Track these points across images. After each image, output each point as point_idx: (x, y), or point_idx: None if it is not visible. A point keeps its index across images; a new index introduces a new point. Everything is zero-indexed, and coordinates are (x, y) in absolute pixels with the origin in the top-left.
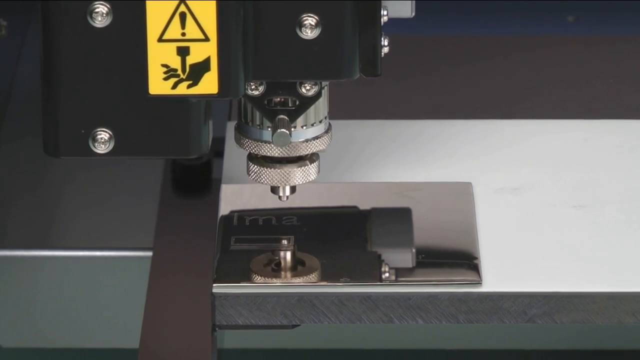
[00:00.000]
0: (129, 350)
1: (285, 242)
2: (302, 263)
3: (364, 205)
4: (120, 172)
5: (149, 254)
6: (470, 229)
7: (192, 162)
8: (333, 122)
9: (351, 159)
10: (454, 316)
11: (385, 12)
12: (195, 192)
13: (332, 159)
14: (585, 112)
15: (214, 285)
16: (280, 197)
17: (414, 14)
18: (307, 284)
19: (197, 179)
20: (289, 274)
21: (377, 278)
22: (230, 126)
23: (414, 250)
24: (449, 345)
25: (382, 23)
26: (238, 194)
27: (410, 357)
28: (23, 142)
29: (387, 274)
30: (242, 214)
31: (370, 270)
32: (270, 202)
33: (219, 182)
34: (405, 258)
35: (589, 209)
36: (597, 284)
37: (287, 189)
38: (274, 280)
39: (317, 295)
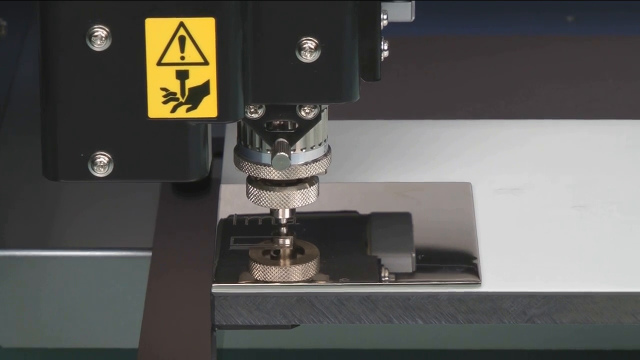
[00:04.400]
0: (129, 350)
1: (284, 230)
2: (302, 251)
3: (364, 205)
4: None
5: (149, 254)
6: (469, 229)
7: None
8: (332, 123)
9: (351, 160)
10: (453, 316)
11: (385, 17)
12: (195, 192)
13: (332, 159)
14: (585, 112)
15: (214, 285)
16: (279, 220)
17: (414, 18)
18: (306, 284)
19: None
20: (288, 262)
21: (377, 278)
22: (230, 126)
23: (413, 254)
24: (449, 345)
25: (381, 27)
26: (237, 194)
27: (410, 357)
28: (23, 142)
29: (386, 275)
30: (241, 214)
31: (370, 271)
32: None
33: (218, 182)
34: (404, 262)
35: (589, 209)
36: (597, 284)
37: (287, 211)
38: (273, 269)
39: (316, 295)
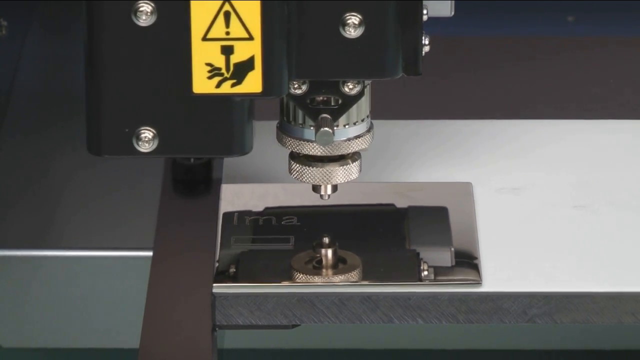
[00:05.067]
0: (129, 350)
1: (326, 239)
2: (344, 261)
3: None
4: (120, 172)
5: (149, 254)
6: (470, 229)
7: (193, 162)
8: None
9: None
10: (454, 316)
11: (425, 12)
12: (196, 192)
13: None
14: (585, 112)
15: (214, 285)
16: (321, 196)
17: (453, 13)
18: (307, 284)
19: (197, 178)
20: (330, 272)
21: (378, 278)
22: None
23: (419, 254)
24: (449, 345)
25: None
26: (238, 194)
27: (410, 357)
28: (23, 141)
29: (387, 274)
30: (242, 214)
31: (370, 270)
32: (270, 202)
33: (219, 182)
34: (407, 262)
35: (589, 209)
36: (597, 284)
37: (329, 187)
38: (315, 279)
39: (317, 295)
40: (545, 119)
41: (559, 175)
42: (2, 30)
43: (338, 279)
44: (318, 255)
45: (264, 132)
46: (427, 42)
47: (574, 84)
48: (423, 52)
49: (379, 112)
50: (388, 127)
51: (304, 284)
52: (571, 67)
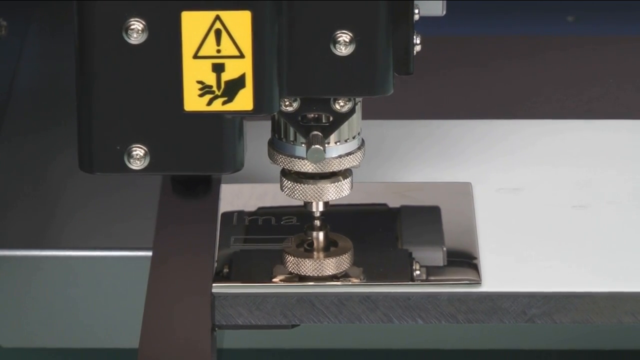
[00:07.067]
0: (129, 350)
1: (317, 222)
2: (335, 244)
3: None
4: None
5: (149, 254)
6: (470, 229)
7: None
8: None
9: None
10: (453, 316)
11: (417, 11)
12: (195, 192)
13: None
14: (585, 112)
15: (214, 285)
16: (313, 213)
17: (444, 13)
18: (306, 284)
19: (197, 178)
20: (321, 255)
21: (377, 278)
22: None
23: (411, 253)
24: (449, 345)
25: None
26: (238, 194)
27: (410, 357)
28: (23, 142)
29: (386, 274)
30: (241, 214)
31: (370, 270)
32: (269, 202)
33: (218, 182)
34: (403, 262)
35: (589, 209)
36: (597, 284)
37: (321, 204)
38: (306, 261)
39: (316, 295)
40: (544, 118)
41: (558, 175)
42: (2, 30)
43: (330, 262)
44: (310, 238)
45: (262, 132)
46: (418, 42)
47: (574, 83)
48: (414, 52)
49: (375, 112)
50: (386, 127)
51: (304, 285)
52: (571, 67)
